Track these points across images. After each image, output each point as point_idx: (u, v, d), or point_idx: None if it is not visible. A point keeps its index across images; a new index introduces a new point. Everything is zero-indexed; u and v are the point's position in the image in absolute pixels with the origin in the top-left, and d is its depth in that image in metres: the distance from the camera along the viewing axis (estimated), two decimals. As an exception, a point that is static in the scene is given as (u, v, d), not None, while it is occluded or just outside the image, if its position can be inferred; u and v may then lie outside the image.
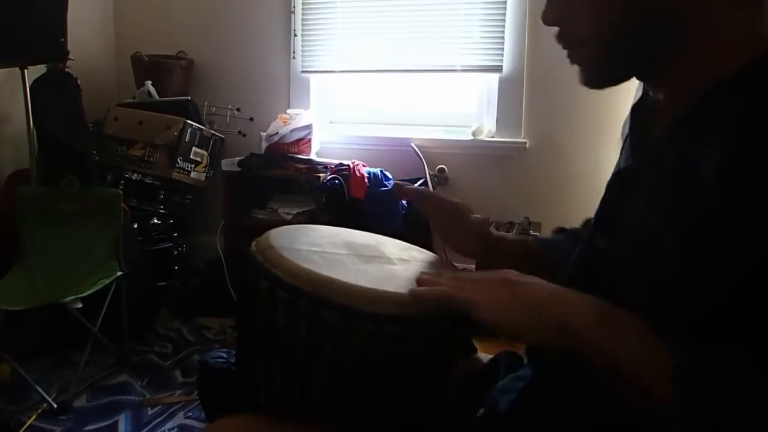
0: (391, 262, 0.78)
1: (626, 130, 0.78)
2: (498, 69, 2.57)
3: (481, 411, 0.80)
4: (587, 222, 0.96)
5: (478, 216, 0.90)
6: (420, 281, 0.69)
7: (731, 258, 0.50)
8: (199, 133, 2.58)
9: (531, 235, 0.93)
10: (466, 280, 0.65)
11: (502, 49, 2.55)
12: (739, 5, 0.57)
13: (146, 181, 2.55)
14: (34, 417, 1.79)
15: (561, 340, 0.55)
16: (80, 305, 1.93)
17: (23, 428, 1.74)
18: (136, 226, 2.46)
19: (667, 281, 0.56)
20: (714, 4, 0.57)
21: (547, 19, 0.66)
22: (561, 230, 0.97)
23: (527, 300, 0.58)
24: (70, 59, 2.25)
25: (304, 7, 2.79)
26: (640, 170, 0.64)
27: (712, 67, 0.58)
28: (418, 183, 2.51)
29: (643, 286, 0.59)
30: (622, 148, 0.77)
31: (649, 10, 0.58)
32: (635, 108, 0.79)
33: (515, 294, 0.59)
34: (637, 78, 0.68)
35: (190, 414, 1.87)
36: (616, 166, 0.75)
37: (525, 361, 0.88)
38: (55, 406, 1.84)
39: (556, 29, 0.66)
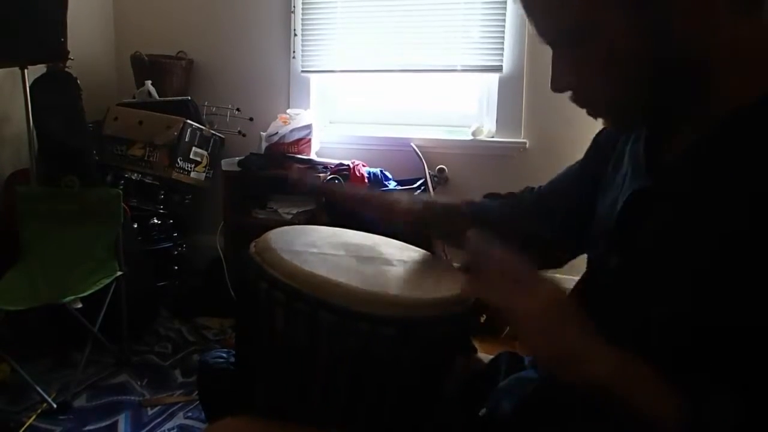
0: (389, 263, 0.78)
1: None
2: (498, 69, 2.57)
3: (483, 411, 0.80)
4: (529, 189, 0.96)
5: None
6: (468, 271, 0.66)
7: (750, 296, 0.50)
8: (199, 133, 2.58)
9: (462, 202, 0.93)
10: (512, 288, 0.61)
11: (502, 49, 2.55)
12: (749, 21, 0.56)
13: (146, 181, 2.55)
14: (33, 417, 1.79)
15: (580, 381, 0.56)
16: (80, 305, 1.93)
17: (23, 428, 1.74)
18: (135, 226, 2.46)
19: (677, 310, 0.56)
20: (728, 28, 0.56)
21: (559, 87, 0.64)
22: (492, 195, 0.97)
23: (558, 339, 0.58)
24: (70, 59, 2.25)
25: (304, 6, 2.78)
26: (656, 192, 0.63)
27: (730, 89, 0.57)
28: (418, 183, 2.51)
29: (653, 309, 0.59)
30: (620, 151, 0.76)
31: (661, 56, 0.57)
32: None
33: (551, 329, 0.58)
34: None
35: (189, 414, 1.87)
36: (616, 171, 0.75)
37: (526, 362, 0.88)
38: (55, 406, 1.84)
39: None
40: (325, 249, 0.77)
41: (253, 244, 0.75)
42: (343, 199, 0.93)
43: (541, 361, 0.60)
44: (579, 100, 0.64)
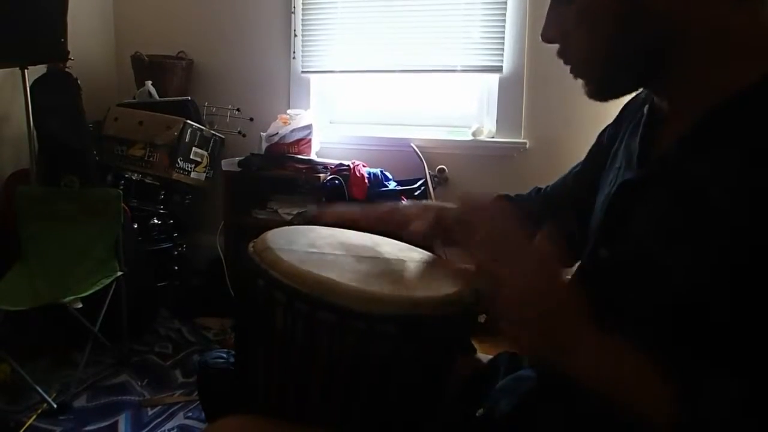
0: (389, 263, 0.78)
1: (623, 127, 0.78)
2: (498, 69, 2.57)
3: (481, 411, 0.80)
4: (536, 189, 0.97)
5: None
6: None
7: (739, 283, 0.50)
8: (199, 133, 2.58)
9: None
10: (505, 254, 0.59)
11: (502, 49, 2.55)
12: (737, 7, 0.56)
13: (146, 181, 2.55)
14: (34, 417, 1.79)
15: (560, 364, 0.56)
16: (80, 305, 1.92)
17: (23, 428, 1.74)
18: (136, 226, 2.46)
19: (670, 299, 0.56)
20: (711, 9, 0.56)
21: (546, 37, 0.66)
22: (500, 197, 0.96)
23: (547, 316, 0.56)
24: (70, 59, 2.25)
25: (304, 7, 2.79)
26: (645, 183, 0.64)
27: (718, 79, 0.57)
28: (419, 183, 2.51)
29: (644, 299, 0.59)
30: (617, 149, 0.76)
31: (646, 23, 0.58)
32: (629, 107, 0.79)
33: (541, 297, 0.56)
34: (643, 87, 0.68)
35: (190, 414, 1.87)
36: (611, 168, 0.75)
37: (526, 362, 0.88)
38: (55, 406, 1.84)
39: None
40: (324, 249, 0.77)
41: (251, 243, 0.75)
42: (360, 219, 0.90)
43: (523, 341, 0.58)
44: (562, 55, 0.66)
